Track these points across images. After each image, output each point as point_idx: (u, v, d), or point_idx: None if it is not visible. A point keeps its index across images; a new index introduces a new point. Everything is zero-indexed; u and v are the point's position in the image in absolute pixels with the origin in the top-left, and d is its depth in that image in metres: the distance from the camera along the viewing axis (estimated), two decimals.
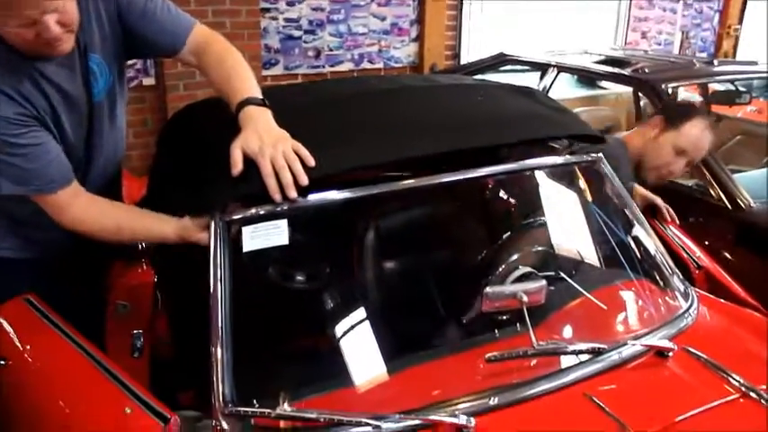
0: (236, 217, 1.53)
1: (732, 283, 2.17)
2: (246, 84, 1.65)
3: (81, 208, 1.68)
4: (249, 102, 1.58)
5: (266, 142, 1.47)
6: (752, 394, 1.51)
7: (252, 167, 1.47)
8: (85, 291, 2.04)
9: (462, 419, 1.35)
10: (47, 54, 1.58)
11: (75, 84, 1.69)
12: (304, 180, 1.46)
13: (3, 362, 1.70)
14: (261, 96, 1.62)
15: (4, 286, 1.84)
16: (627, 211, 1.99)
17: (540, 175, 2.01)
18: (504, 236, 1.97)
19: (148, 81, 4.78)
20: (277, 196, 1.45)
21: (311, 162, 1.47)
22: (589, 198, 2.06)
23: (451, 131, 1.73)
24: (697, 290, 1.96)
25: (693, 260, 2.23)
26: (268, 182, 1.45)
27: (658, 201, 2.68)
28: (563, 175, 2.03)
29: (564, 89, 4.91)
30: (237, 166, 1.47)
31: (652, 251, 1.94)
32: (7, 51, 1.54)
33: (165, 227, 1.65)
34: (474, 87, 2.16)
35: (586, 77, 5.02)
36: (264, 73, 5.06)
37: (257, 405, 1.43)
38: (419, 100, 1.97)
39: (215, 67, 1.74)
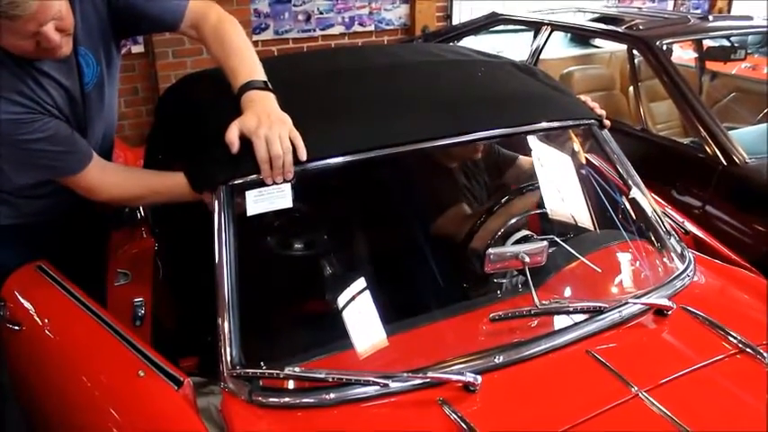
0: (239, 181, 1.53)
1: (721, 247, 2.19)
2: (247, 63, 1.65)
3: (108, 180, 1.72)
4: (251, 85, 1.58)
5: (264, 123, 1.49)
6: (749, 351, 1.54)
7: (249, 148, 1.48)
8: (86, 258, 2.05)
9: (469, 377, 1.37)
10: (45, 57, 1.59)
11: (71, 79, 1.70)
12: (289, 175, 1.50)
13: (17, 327, 1.73)
14: (262, 78, 1.61)
15: (4, 253, 1.87)
16: (624, 174, 2.00)
17: (537, 139, 2.01)
18: (503, 199, 1.98)
19: (137, 49, 4.72)
20: (269, 181, 1.50)
21: (303, 156, 1.50)
22: (585, 161, 2.06)
23: (449, 117, 1.74)
24: (693, 251, 1.98)
25: (680, 226, 2.24)
26: (262, 167, 1.48)
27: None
28: (559, 139, 2.04)
29: (557, 49, 4.88)
30: (234, 145, 1.48)
31: (649, 213, 1.96)
32: (5, 55, 1.55)
33: (178, 180, 1.65)
34: (474, 63, 2.15)
35: (580, 36, 4.98)
36: (255, 38, 5.01)
37: (264, 367, 1.45)
38: (417, 78, 1.96)
39: (214, 42, 1.73)
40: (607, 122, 2.00)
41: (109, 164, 1.78)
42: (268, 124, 1.48)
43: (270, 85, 1.60)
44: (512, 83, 1.99)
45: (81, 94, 1.74)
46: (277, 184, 1.50)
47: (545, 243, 1.66)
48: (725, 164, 2.96)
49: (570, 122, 1.96)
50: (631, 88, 3.93)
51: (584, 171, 2.04)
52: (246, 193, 1.51)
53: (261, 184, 1.51)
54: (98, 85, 1.79)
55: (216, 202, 1.53)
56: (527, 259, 1.61)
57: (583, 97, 2.05)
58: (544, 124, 1.87)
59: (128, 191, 1.75)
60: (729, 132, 3.07)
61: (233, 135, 1.48)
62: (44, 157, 1.63)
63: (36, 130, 1.59)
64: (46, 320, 1.71)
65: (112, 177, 1.74)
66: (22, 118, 1.57)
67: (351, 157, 1.60)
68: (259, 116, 1.50)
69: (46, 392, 1.66)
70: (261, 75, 1.62)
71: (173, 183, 1.66)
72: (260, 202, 1.51)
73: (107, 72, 1.81)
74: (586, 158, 2.08)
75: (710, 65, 4.23)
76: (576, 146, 2.04)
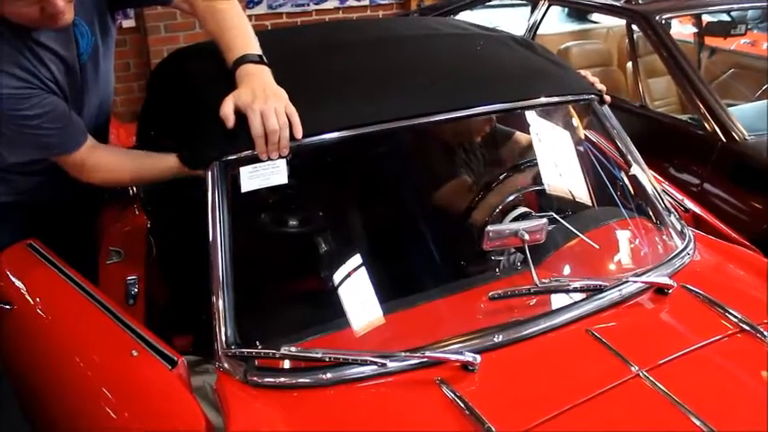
0: (233, 157, 1.50)
1: (720, 224, 2.18)
2: (242, 37, 1.61)
3: (101, 161, 1.70)
4: (246, 59, 1.55)
5: (259, 97, 1.45)
6: (749, 329, 1.53)
7: (243, 123, 1.45)
8: (77, 237, 2.03)
9: (468, 356, 1.35)
10: (50, 27, 1.56)
11: (69, 49, 1.68)
12: (285, 151, 1.47)
13: (8, 306, 1.70)
14: (258, 52, 1.58)
15: None
16: (624, 151, 1.97)
17: (536, 114, 1.98)
18: (502, 175, 1.95)
19: (128, 23, 4.66)
20: (264, 157, 1.47)
21: (299, 134, 1.47)
22: (585, 137, 2.04)
23: (447, 91, 1.71)
24: (692, 229, 1.96)
25: (680, 203, 2.23)
26: (257, 142, 1.45)
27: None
28: (559, 114, 2.01)
29: (554, 24, 4.83)
30: (229, 120, 1.45)
31: (649, 191, 1.94)
32: (5, 27, 1.52)
33: (170, 161, 1.63)
34: (472, 37, 2.11)
35: (577, 11, 4.93)
36: (248, 12, 4.93)
37: (260, 347, 1.43)
38: (414, 53, 1.92)
39: (207, 15, 1.70)
40: (607, 98, 1.97)
41: (102, 145, 1.76)
42: (264, 98, 1.45)
43: (265, 59, 1.56)
44: (511, 57, 1.95)
45: (78, 65, 1.72)
46: (272, 160, 1.47)
47: (544, 220, 1.63)
48: (724, 140, 2.93)
49: (570, 97, 1.93)
50: (629, 64, 3.89)
51: (583, 147, 2.01)
52: (241, 169, 1.48)
53: (255, 159, 1.48)
54: (93, 55, 1.77)
55: (209, 178, 1.50)
56: (526, 237, 1.58)
57: (583, 72, 2.02)
58: (543, 99, 1.84)
59: (120, 174, 1.74)
60: (729, 109, 3.04)
61: (228, 109, 1.45)
62: (39, 134, 1.60)
63: (34, 106, 1.56)
64: (37, 299, 1.68)
65: (105, 159, 1.71)
66: (21, 92, 1.55)
67: (347, 133, 1.56)
68: (254, 90, 1.46)
69: (38, 372, 1.64)
70: (256, 49, 1.58)
71: (165, 166, 1.64)
72: (254, 178, 1.48)
73: (102, 43, 1.79)
74: (585, 134, 2.05)
75: (709, 40, 4.18)
76: (576, 121, 2.01)
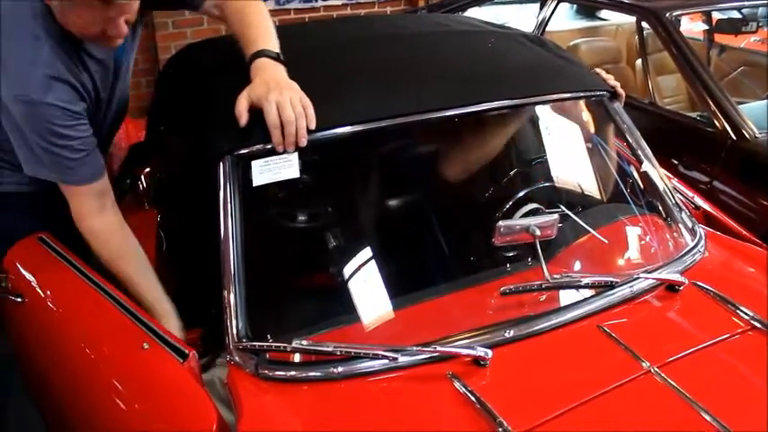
0: (245, 151, 1.50)
1: (731, 222, 2.17)
2: (264, 35, 1.62)
3: (103, 218, 1.67)
4: (263, 53, 1.55)
5: (273, 88, 1.45)
6: (761, 327, 1.52)
7: (255, 117, 1.45)
8: None
9: (480, 351, 1.35)
10: (103, 45, 1.60)
11: (108, 53, 1.70)
12: (304, 141, 1.46)
13: (19, 299, 1.70)
14: (277, 50, 1.58)
15: (7, 220, 1.86)
16: (635, 147, 1.96)
17: (548, 110, 1.97)
18: (512, 171, 1.95)
19: None
20: (280, 148, 1.46)
21: (313, 125, 1.46)
22: (597, 133, 2.03)
23: (460, 87, 1.71)
24: (703, 227, 1.96)
25: (690, 201, 2.22)
26: (273, 133, 1.44)
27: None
28: (571, 110, 2.00)
29: (562, 21, 4.82)
30: (243, 117, 1.45)
31: (661, 188, 1.93)
32: (60, 37, 1.54)
33: (162, 306, 1.63)
34: (484, 34, 2.10)
35: (586, 8, 4.92)
36: None
37: (271, 340, 1.42)
38: (426, 49, 1.92)
39: (234, 15, 1.71)
40: (621, 92, 1.96)
41: (117, 212, 1.72)
42: (278, 90, 1.45)
43: (282, 58, 1.57)
44: (523, 54, 1.95)
45: (113, 66, 1.74)
46: (288, 152, 1.46)
47: (556, 216, 1.63)
48: (734, 138, 2.92)
49: (582, 93, 1.92)
50: (638, 61, 3.88)
51: (594, 143, 2.01)
52: (252, 162, 1.48)
53: (267, 153, 1.48)
54: (126, 52, 1.80)
55: (221, 172, 1.50)
56: (538, 232, 1.58)
57: (597, 70, 2.02)
58: (556, 95, 1.84)
59: (109, 245, 1.67)
60: (739, 107, 3.02)
61: (242, 108, 1.45)
62: (64, 155, 1.58)
63: (74, 128, 1.56)
64: (48, 292, 1.69)
65: (110, 222, 1.68)
66: (71, 109, 1.55)
67: (359, 127, 1.56)
68: (268, 83, 1.47)
69: (49, 365, 1.65)
70: (276, 47, 1.59)
71: (151, 289, 1.64)
72: (266, 172, 1.48)
73: (131, 39, 1.82)
74: (597, 131, 2.04)
75: (719, 38, 4.16)
76: (588, 118, 2.00)
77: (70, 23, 1.51)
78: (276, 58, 1.56)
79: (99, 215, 1.66)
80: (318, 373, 1.36)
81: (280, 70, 1.53)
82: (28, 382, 1.93)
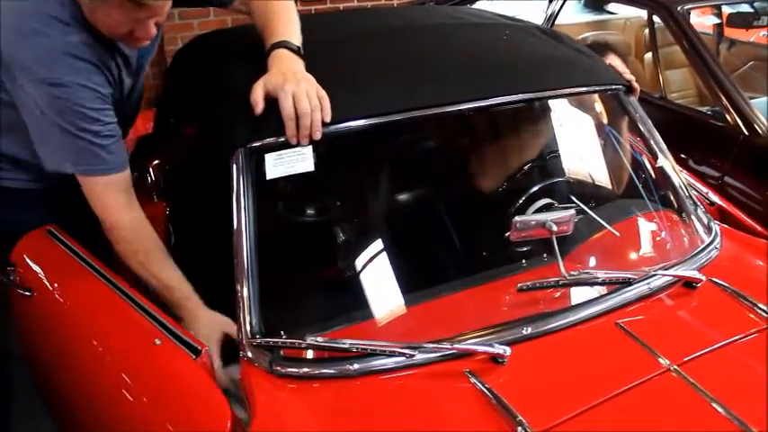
0: (258, 144, 1.47)
1: (746, 218, 2.15)
2: (286, 28, 1.60)
3: (133, 213, 1.64)
4: (283, 44, 1.54)
5: (290, 79, 1.44)
6: None
7: (269, 109, 1.43)
8: (96, 223, 2.01)
9: (498, 348, 1.33)
10: (129, 45, 1.62)
11: (133, 51, 1.70)
12: (318, 134, 1.44)
13: (28, 293, 1.68)
14: (298, 44, 1.56)
15: (15, 215, 1.83)
16: (651, 142, 1.94)
17: (563, 104, 1.95)
18: (526, 166, 1.93)
19: None
20: (293, 140, 1.44)
21: (328, 118, 1.45)
22: (612, 128, 2.01)
23: (474, 80, 1.68)
24: (718, 223, 1.93)
25: (705, 197, 2.20)
26: (287, 124, 1.42)
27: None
28: (586, 104, 1.98)
29: (570, 14, 4.79)
30: (258, 105, 1.43)
31: (676, 183, 1.91)
32: (89, 26, 1.53)
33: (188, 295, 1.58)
34: (498, 26, 2.08)
35: (594, 1, 4.89)
36: None
37: (285, 336, 1.40)
38: (438, 41, 1.89)
39: (261, 9, 1.69)
40: (636, 86, 1.94)
41: (139, 209, 1.67)
42: (295, 81, 1.43)
43: (302, 52, 1.55)
44: (538, 46, 1.92)
45: (136, 63, 1.75)
46: (302, 145, 1.44)
47: (572, 211, 1.61)
48: (746, 133, 2.89)
49: (597, 87, 1.90)
50: (647, 55, 3.85)
51: (610, 138, 1.98)
52: (266, 155, 1.46)
53: (281, 146, 1.45)
54: (149, 53, 1.81)
55: (234, 165, 1.48)
56: (554, 228, 1.56)
57: (614, 63, 2.00)
58: (572, 89, 1.81)
59: (134, 241, 1.62)
60: (751, 101, 3.00)
61: (258, 95, 1.43)
62: (92, 141, 1.55)
63: (100, 111, 1.55)
64: (57, 286, 1.67)
65: (140, 213, 1.65)
66: (103, 92, 1.55)
67: (375, 120, 1.54)
68: (284, 73, 1.45)
69: (58, 359, 1.63)
70: (298, 41, 1.57)
71: (177, 285, 1.60)
72: (280, 165, 1.46)
73: (154, 39, 1.80)
74: (612, 125, 2.02)
75: (729, 32, 4.13)
76: (603, 111, 1.98)
77: (99, 21, 1.50)
78: (296, 51, 1.54)
79: (128, 210, 1.63)
80: (333, 371, 1.34)
81: (298, 63, 1.51)
82: (36, 376, 1.91)
